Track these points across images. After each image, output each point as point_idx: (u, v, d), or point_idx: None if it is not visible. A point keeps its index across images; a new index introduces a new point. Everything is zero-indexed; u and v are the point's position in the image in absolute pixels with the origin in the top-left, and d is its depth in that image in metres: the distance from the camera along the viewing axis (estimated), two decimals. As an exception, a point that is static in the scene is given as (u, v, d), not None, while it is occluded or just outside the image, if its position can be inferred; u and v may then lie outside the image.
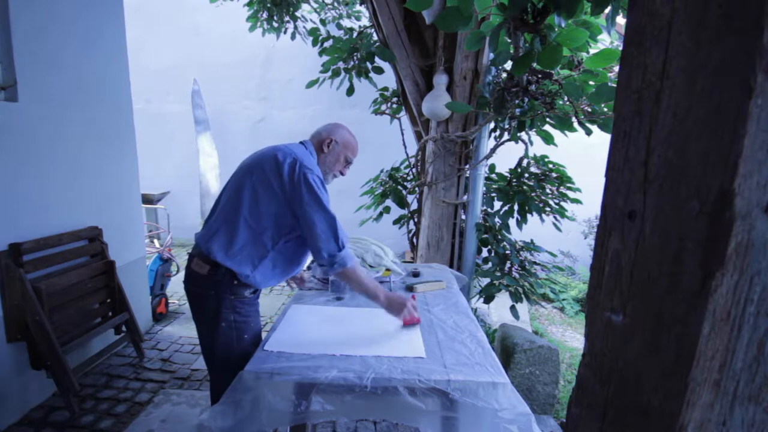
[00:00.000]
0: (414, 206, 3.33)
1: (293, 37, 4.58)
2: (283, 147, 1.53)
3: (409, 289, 2.04)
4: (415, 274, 2.26)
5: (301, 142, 1.64)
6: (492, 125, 2.84)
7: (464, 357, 1.38)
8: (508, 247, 2.80)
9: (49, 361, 2.15)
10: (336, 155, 1.66)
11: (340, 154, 1.66)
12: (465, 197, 2.93)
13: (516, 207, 2.82)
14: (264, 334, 1.59)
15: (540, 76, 2.15)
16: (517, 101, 2.37)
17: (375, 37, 3.18)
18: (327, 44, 3.32)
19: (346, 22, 4.41)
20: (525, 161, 2.96)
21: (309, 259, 1.69)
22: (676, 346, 0.41)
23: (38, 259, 2.25)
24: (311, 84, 3.32)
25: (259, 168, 1.50)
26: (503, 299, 3.27)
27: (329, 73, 3.31)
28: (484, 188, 2.91)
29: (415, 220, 3.26)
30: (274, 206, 1.47)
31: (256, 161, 1.53)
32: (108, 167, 2.89)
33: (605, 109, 2.16)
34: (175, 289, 3.96)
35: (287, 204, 1.47)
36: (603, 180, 0.51)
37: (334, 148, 1.65)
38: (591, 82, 2.00)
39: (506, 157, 3.18)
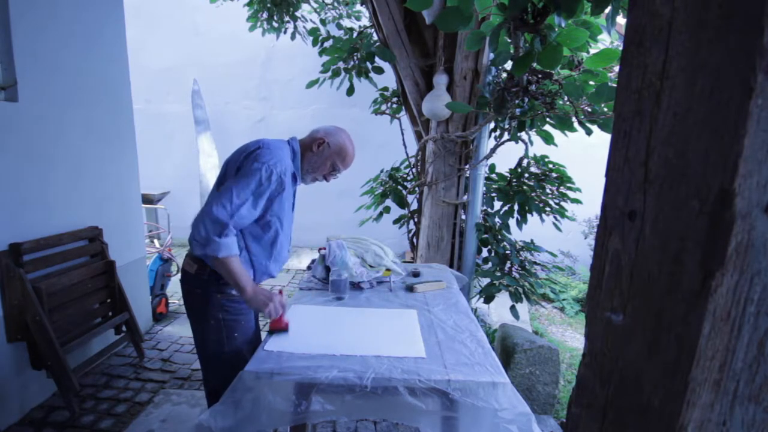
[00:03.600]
0: (414, 206, 3.33)
1: (293, 37, 4.58)
2: (259, 139, 1.54)
3: (410, 289, 2.04)
4: (415, 274, 2.26)
5: (289, 139, 1.62)
6: (492, 125, 2.84)
7: (464, 357, 1.38)
8: (508, 247, 2.80)
9: (49, 361, 2.15)
10: (323, 158, 1.61)
11: (327, 158, 1.61)
12: (465, 197, 2.93)
13: (516, 207, 2.82)
14: (264, 334, 1.59)
15: (540, 76, 2.15)
16: (517, 101, 2.37)
17: (375, 37, 3.18)
18: (327, 44, 3.32)
19: (346, 22, 4.41)
20: (525, 161, 2.96)
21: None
22: (676, 346, 0.41)
23: (38, 259, 2.25)
24: (311, 84, 3.32)
25: (230, 163, 1.52)
26: (503, 299, 3.26)
27: (329, 73, 3.31)
28: (484, 188, 2.91)
29: (415, 220, 3.26)
30: None
31: (229, 158, 1.56)
32: (108, 167, 2.89)
33: (605, 109, 2.16)
34: (175, 289, 3.94)
35: None
36: (603, 180, 0.52)
37: (323, 151, 1.60)
38: (591, 82, 2.00)
39: (506, 157, 3.17)
